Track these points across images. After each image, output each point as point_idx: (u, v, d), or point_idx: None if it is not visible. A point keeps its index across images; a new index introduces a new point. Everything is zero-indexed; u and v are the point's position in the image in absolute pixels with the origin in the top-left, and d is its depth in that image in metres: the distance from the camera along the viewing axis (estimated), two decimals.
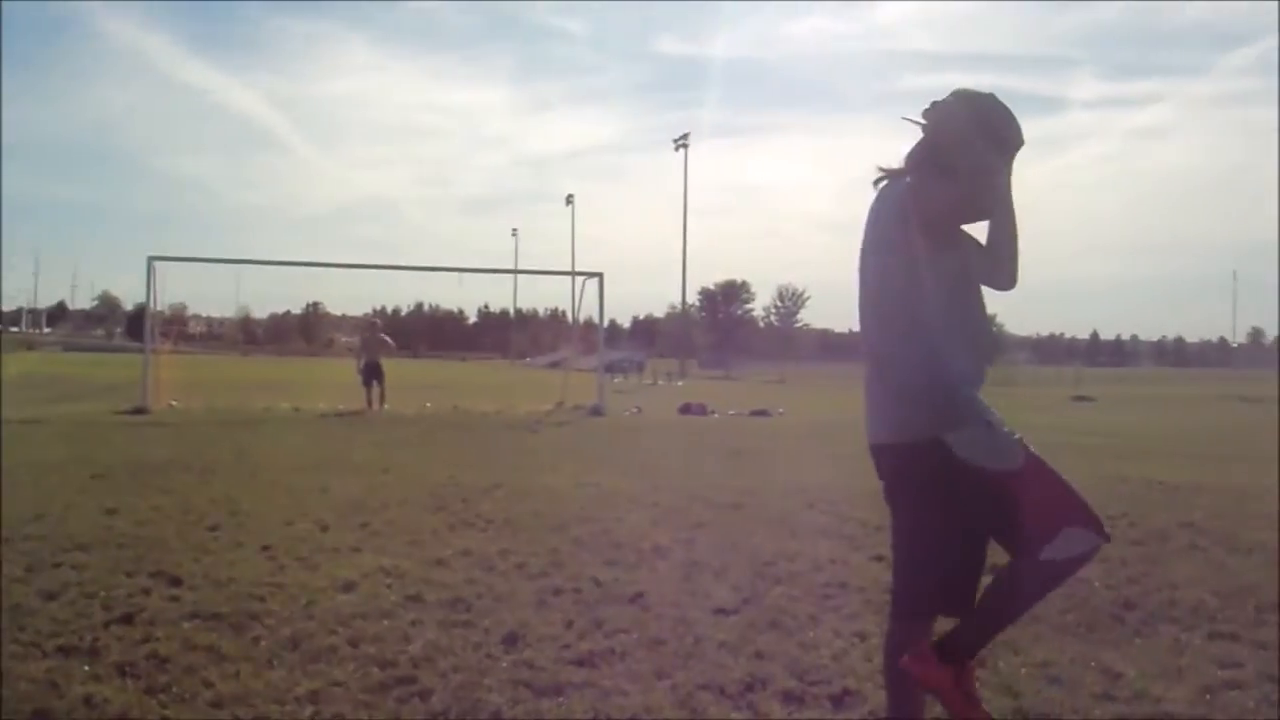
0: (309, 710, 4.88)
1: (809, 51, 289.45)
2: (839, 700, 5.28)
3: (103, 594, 6.93)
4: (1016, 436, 4.28)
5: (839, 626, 6.56)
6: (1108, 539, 4.50)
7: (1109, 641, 6.38)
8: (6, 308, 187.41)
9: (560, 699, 5.23)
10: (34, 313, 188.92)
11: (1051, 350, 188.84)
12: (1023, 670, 5.76)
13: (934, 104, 4.32)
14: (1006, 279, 4.40)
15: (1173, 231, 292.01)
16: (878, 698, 5.26)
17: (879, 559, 8.55)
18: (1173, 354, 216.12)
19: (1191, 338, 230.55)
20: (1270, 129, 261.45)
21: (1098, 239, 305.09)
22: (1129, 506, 11.67)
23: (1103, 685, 5.56)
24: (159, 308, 31.87)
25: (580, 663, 5.76)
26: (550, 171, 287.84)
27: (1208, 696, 5.45)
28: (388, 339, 29.87)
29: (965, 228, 4.38)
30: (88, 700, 5.02)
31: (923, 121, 4.31)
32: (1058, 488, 4.33)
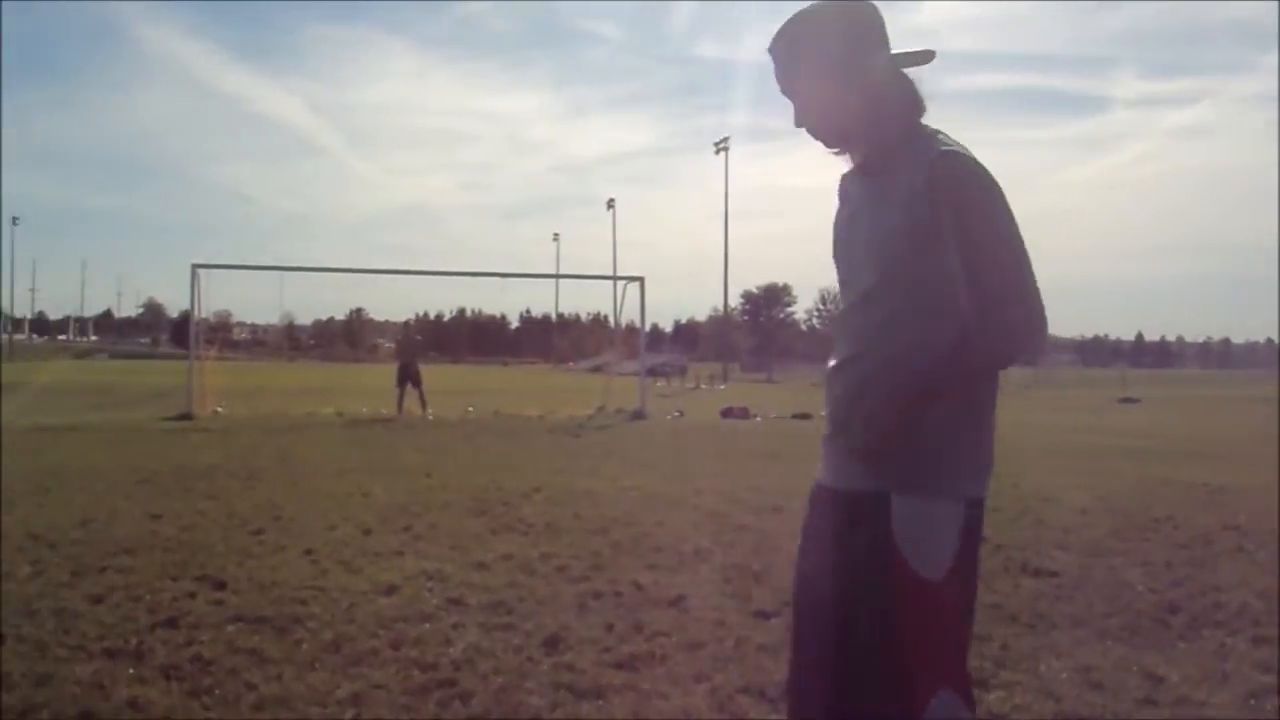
0: (350, 713, 4.91)
1: None
2: None
3: (148, 597, 6.99)
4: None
5: None
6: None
7: (1152, 645, 6.34)
8: (54, 316, 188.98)
9: (600, 702, 5.24)
10: (81, 320, 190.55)
11: (1096, 352, 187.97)
12: (1064, 674, 5.73)
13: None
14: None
15: (1217, 231, 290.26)
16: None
17: None
18: (1218, 355, 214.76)
19: (1237, 339, 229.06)
20: None
21: (1142, 239, 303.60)
22: (1174, 509, 11.64)
23: (1145, 690, 5.52)
24: (203, 315, 31.99)
25: (621, 666, 5.77)
26: (590, 176, 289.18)
27: (1252, 702, 5.41)
28: (418, 336, 30.02)
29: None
30: (133, 703, 5.06)
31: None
32: (958, 627, 3.16)
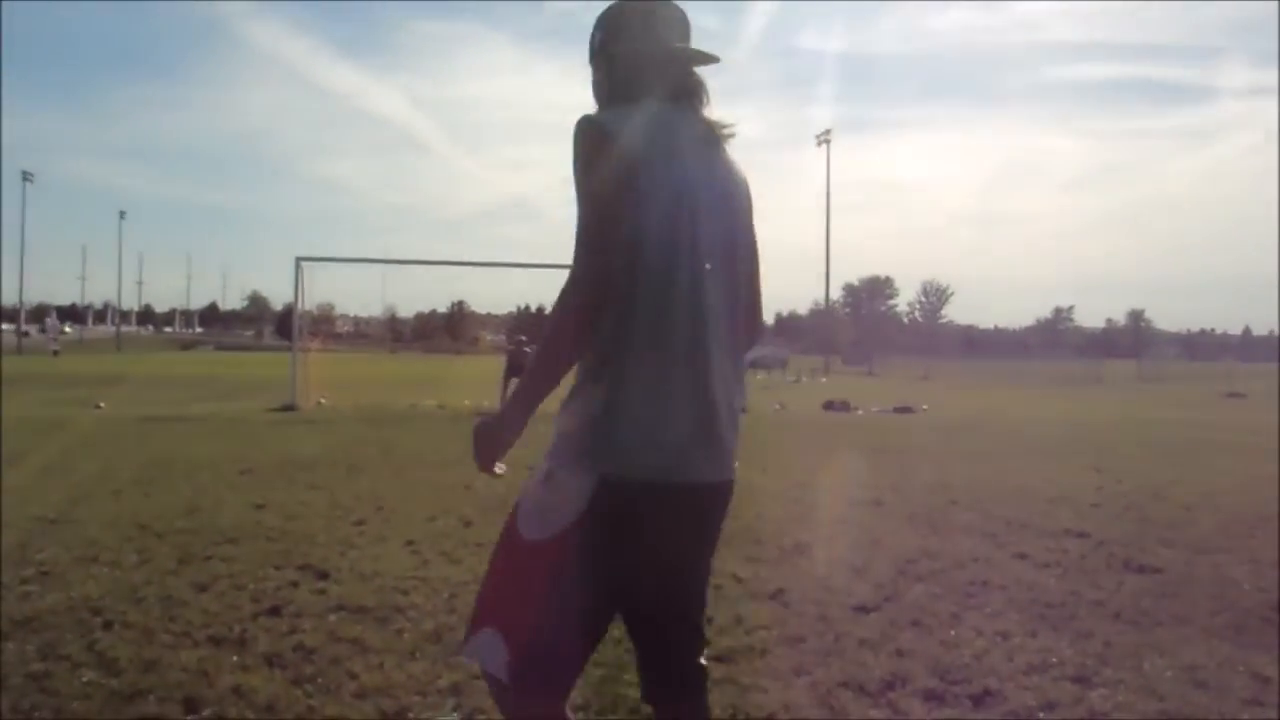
0: (451, 702, 4.93)
1: (952, 45, 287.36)
2: (980, 700, 5.21)
3: (251, 586, 7.08)
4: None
5: (981, 625, 6.48)
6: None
7: (1259, 645, 6.21)
8: (160, 309, 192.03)
9: None
10: (186, 313, 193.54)
11: (1202, 346, 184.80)
12: (1168, 673, 5.64)
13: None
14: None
15: None
16: (1019, 698, 5.21)
17: (1022, 557, 8.48)
18: None
19: None
20: None
21: (1249, 232, 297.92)
22: None
23: (1251, 690, 5.41)
24: (307, 307, 32.36)
25: (720, 659, 5.73)
26: None
27: None
28: (529, 351, 30.22)
29: None
30: (236, 690, 5.12)
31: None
32: (541, 590, 3.15)
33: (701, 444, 3.08)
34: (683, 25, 3.36)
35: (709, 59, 3.33)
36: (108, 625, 6.14)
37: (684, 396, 3.03)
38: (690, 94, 3.31)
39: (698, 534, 3.29)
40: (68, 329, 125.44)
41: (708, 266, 3.07)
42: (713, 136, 3.28)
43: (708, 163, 3.20)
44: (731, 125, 3.32)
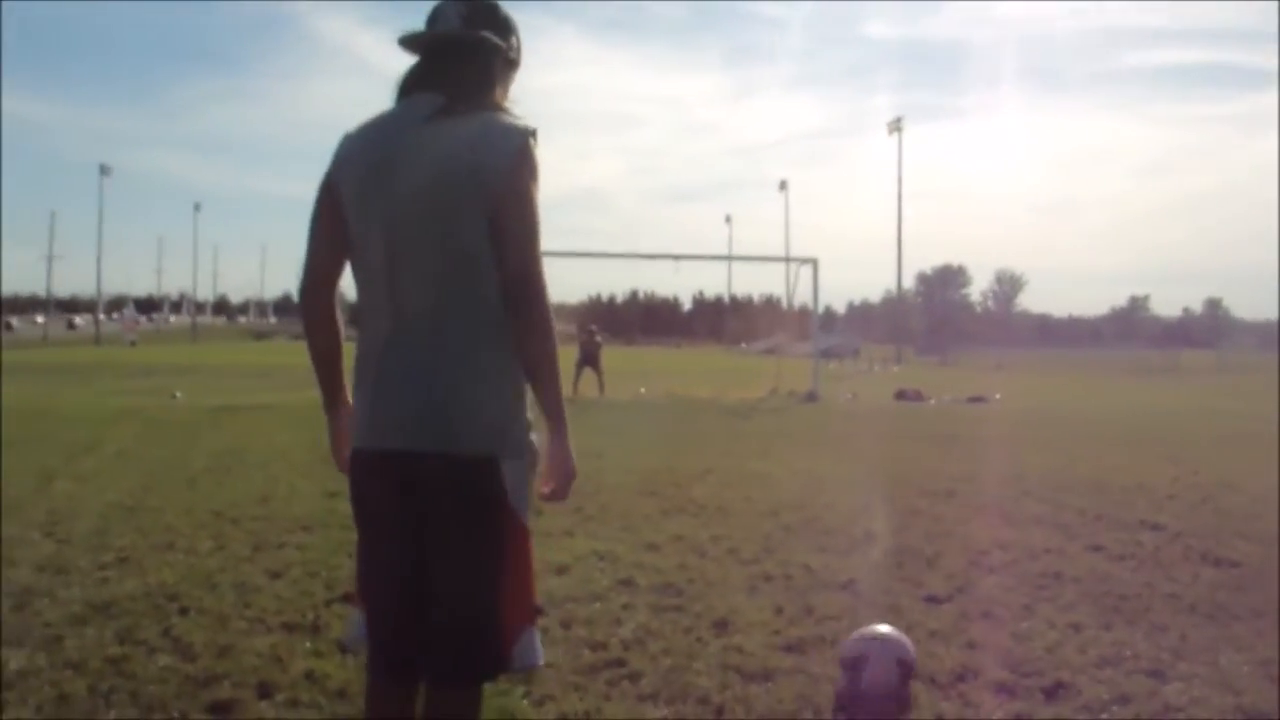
0: (520, 690, 4.96)
1: (1022, 31, 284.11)
2: (1051, 693, 5.17)
3: (324, 573, 7.13)
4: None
5: (1053, 617, 6.44)
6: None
7: None
8: (235, 299, 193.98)
9: (769, 684, 5.22)
10: (260, 303, 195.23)
11: None
12: (1245, 668, 5.57)
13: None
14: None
15: None
16: (1092, 691, 5.17)
17: (1096, 549, 8.42)
18: None
19: None
20: None
21: None
22: None
23: None
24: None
25: (790, 649, 5.74)
26: (762, 158, 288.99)
27: None
28: (600, 341, 30.33)
29: None
30: (309, 675, 5.16)
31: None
32: (532, 570, 3.38)
33: (379, 411, 3.25)
34: None
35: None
36: (183, 611, 6.23)
37: (367, 367, 3.29)
38: None
39: (387, 505, 3.31)
40: (144, 320, 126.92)
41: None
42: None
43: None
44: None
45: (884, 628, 5.32)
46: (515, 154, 3.14)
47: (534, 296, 3.09)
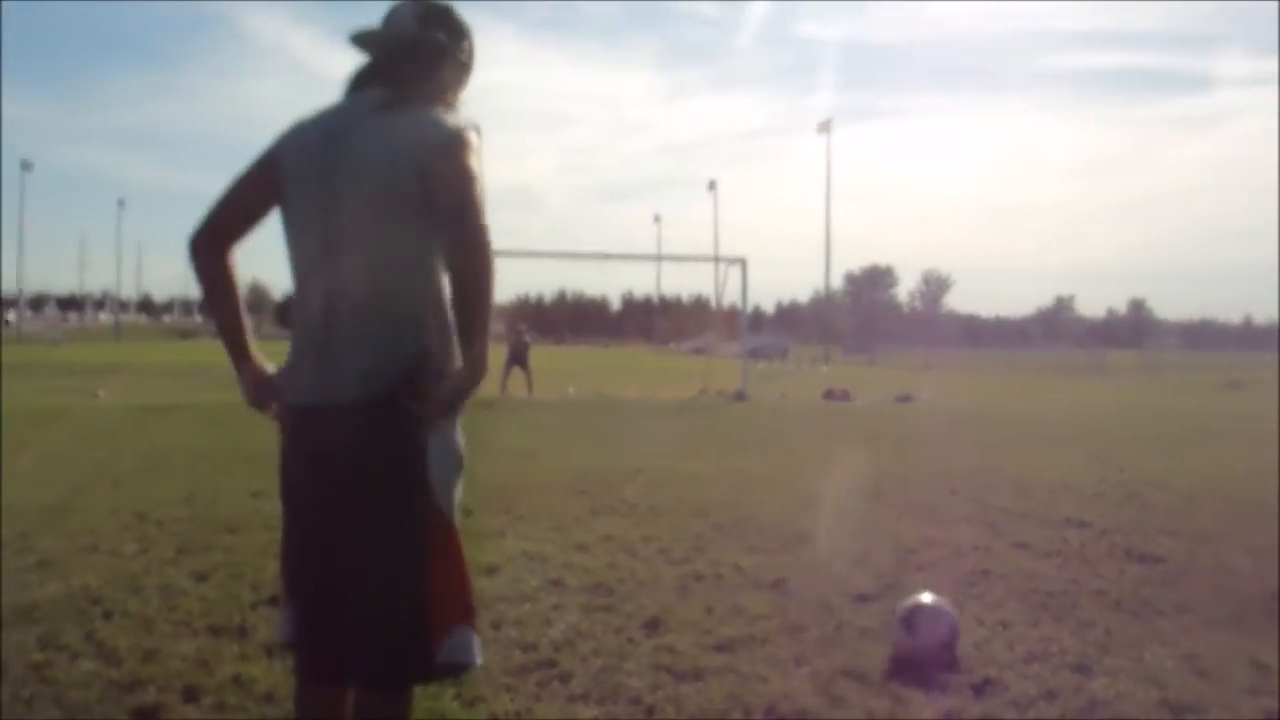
0: (450, 691, 4.93)
1: (953, 33, 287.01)
2: (980, 689, 5.21)
3: (251, 575, 7.06)
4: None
5: (981, 614, 6.48)
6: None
7: (1259, 634, 6.20)
8: (159, 297, 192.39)
9: (700, 684, 5.23)
10: (186, 303, 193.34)
11: (1203, 335, 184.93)
12: (1169, 662, 5.64)
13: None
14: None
15: None
16: (1020, 687, 5.22)
17: (1023, 546, 8.50)
18: None
19: None
20: None
21: (1250, 221, 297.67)
22: None
23: (1251, 679, 5.42)
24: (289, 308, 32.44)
25: (721, 648, 5.76)
26: (693, 157, 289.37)
27: None
28: (528, 341, 30.34)
29: None
30: (236, 679, 5.12)
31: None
32: (464, 569, 3.39)
33: (311, 370, 3.34)
34: None
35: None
36: (107, 615, 6.14)
37: (303, 339, 3.38)
38: None
39: (310, 473, 3.35)
40: (68, 318, 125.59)
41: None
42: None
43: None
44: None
45: (931, 596, 5.82)
46: (451, 137, 3.19)
47: (471, 220, 3.09)
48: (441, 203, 3.13)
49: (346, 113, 3.38)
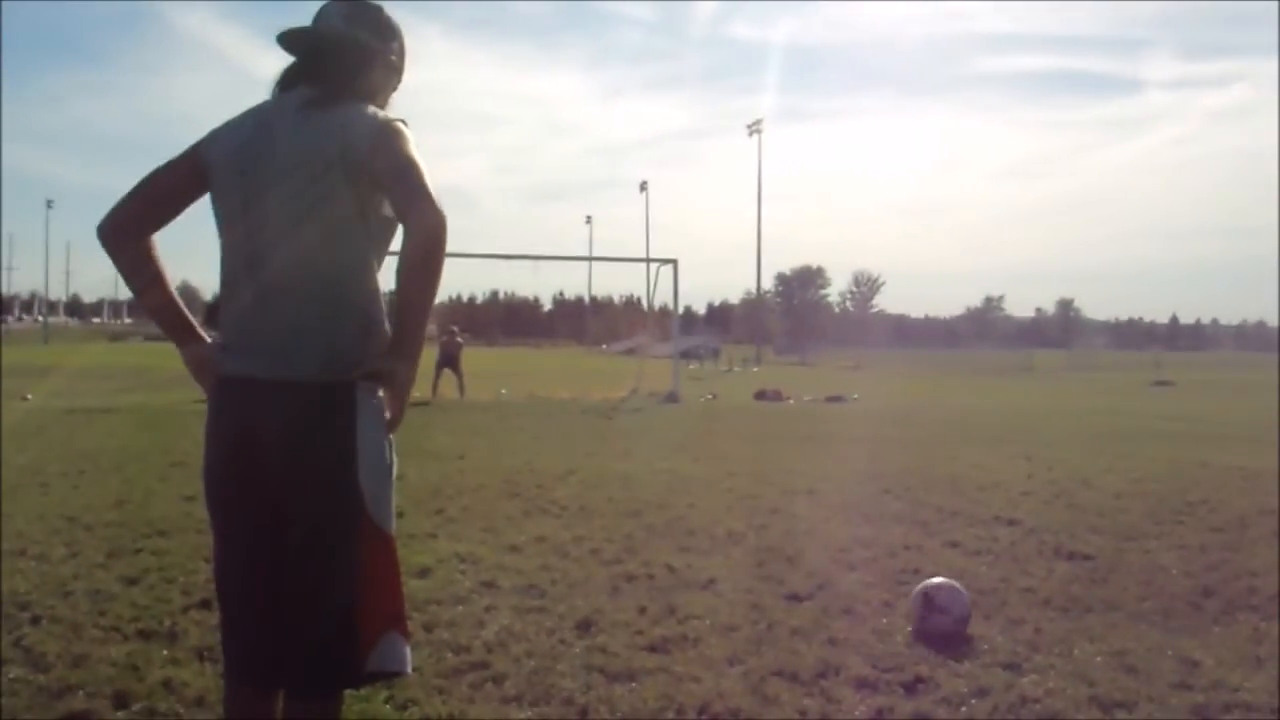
0: (383, 694, 4.91)
1: (880, 35, 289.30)
2: (911, 687, 5.24)
3: (182, 579, 7.00)
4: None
5: (913, 613, 6.53)
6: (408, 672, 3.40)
7: (1186, 630, 6.30)
8: (88, 299, 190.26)
9: (633, 684, 5.23)
10: (115, 304, 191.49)
11: (1130, 335, 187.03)
12: (1098, 658, 5.70)
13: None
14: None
15: (1253, 213, 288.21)
16: (951, 685, 5.25)
17: (954, 545, 8.56)
18: (1255, 338, 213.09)
19: (1273, 321, 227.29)
20: None
21: (1176, 222, 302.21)
22: (1209, 493, 11.59)
23: (1180, 674, 5.47)
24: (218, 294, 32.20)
25: (653, 648, 5.76)
26: (624, 158, 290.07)
27: None
28: (460, 342, 30.21)
29: None
30: (166, 684, 5.07)
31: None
32: (396, 576, 3.36)
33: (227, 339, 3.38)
34: None
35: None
36: (35, 620, 6.07)
37: (233, 327, 3.37)
38: None
39: (229, 438, 3.33)
40: None
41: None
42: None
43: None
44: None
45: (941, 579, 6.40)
46: (378, 132, 3.19)
47: (431, 222, 3.08)
48: (393, 195, 3.15)
49: (272, 110, 3.36)
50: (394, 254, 3.17)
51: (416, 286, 3.09)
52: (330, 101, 3.27)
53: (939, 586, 6.17)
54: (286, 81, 3.42)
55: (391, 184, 3.14)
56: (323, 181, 3.16)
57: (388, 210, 3.25)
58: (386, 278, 3.28)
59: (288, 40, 3.43)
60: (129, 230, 3.43)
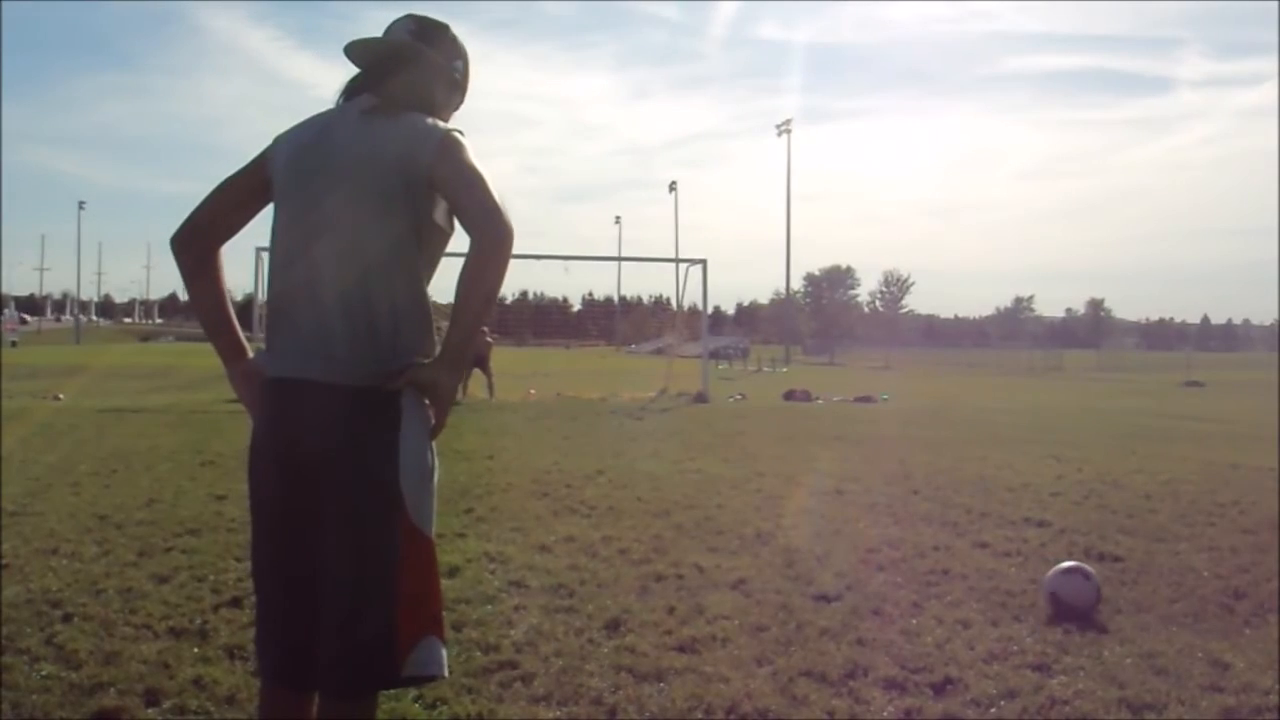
0: (412, 693, 4.92)
1: (910, 35, 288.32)
2: (940, 689, 5.23)
3: (212, 578, 7.04)
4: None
5: (941, 614, 6.52)
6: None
7: (1217, 632, 6.28)
8: (120, 299, 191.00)
9: (661, 684, 5.23)
10: (146, 304, 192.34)
11: (1161, 335, 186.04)
12: (1128, 660, 5.68)
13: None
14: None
15: None
16: (980, 686, 5.23)
17: (983, 546, 8.52)
18: None
19: None
20: None
21: (1207, 221, 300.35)
22: (1240, 494, 11.54)
23: (1210, 676, 5.46)
24: (266, 297, 32.32)
25: (682, 649, 5.76)
26: (652, 159, 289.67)
27: None
28: (490, 342, 30.20)
29: None
30: (197, 681, 5.10)
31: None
32: (435, 580, 3.33)
33: (286, 343, 3.35)
34: None
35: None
36: (67, 618, 6.10)
37: (279, 325, 3.38)
38: None
39: (274, 440, 3.39)
40: (27, 319, 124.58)
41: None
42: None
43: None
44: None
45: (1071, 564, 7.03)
46: (439, 143, 3.23)
47: (499, 234, 3.11)
48: (459, 205, 3.18)
49: (335, 115, 3.41)
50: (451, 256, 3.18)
51: (476, 296, 3.11)
52: (393, 109, 3.32)
53: (1071, 570, 6.85)
54: (351, 91, 3.47)
55: (457, 194, 3.18)
56: (380, 186, 3.20)
57: (440, 218, 3.28)
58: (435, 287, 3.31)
59: (354, 51, 3.48)
60: (197, 239, 3.50)
